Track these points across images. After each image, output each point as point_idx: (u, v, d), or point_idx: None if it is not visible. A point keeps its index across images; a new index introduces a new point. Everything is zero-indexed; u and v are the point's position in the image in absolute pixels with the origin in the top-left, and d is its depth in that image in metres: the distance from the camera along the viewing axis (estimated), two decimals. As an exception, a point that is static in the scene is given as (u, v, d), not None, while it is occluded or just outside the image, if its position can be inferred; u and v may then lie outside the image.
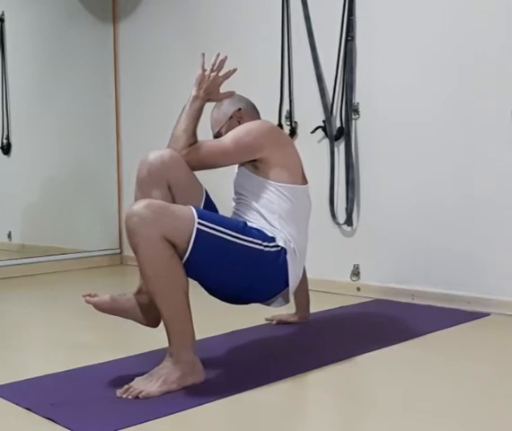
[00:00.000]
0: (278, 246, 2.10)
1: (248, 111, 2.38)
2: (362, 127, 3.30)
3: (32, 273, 4.15)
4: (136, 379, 1.85)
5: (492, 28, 2.85)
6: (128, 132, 4.65)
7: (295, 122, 3.56)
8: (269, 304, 2.24)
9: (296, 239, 2.17)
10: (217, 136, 2.33)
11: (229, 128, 2.29)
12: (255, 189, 2.21)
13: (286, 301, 2.24)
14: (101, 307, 2.00)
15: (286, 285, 2.14)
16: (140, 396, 1.79)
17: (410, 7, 3.12)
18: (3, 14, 4.60)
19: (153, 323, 2.06)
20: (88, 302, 2.00)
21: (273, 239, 2.10)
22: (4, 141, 4.63)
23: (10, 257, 4.34)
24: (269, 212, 2.17)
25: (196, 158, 2.11)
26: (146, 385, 1.81)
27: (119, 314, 2.04)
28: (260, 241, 2.05)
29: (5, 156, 4.66)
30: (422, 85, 3.08)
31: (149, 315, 2.04)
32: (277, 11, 3.58)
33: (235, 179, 2.35)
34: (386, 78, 3.21)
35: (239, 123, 2.32)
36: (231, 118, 2.35)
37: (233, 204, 2.33)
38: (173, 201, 2.04)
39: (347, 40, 3.29)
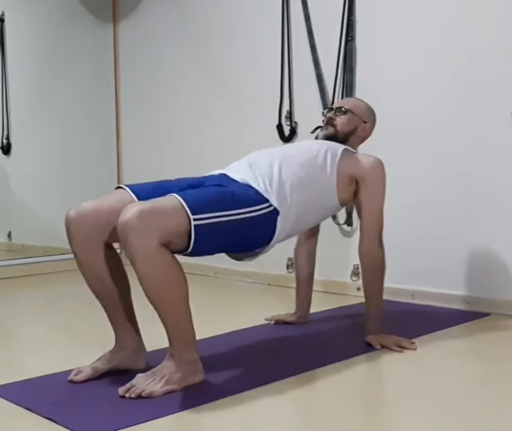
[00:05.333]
0: (270, 206, 2.05)
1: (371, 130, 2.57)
2: (362, 127, 3.30)
3: (32, 273, 4.15)
4: (138, 376, 1.84)
5: (492, 27, 2.85)
6: (127, 132, 4.66)
7: (295, 122, 3.56)
8: (240, 259, 2.19)
9: (299, 207, 2.16)
10: (341, 108, 2.47)
11: (352, 123, 2.47)
12: (313, 168, 2.23)
13: (256, 257, 2.18)
14: (87, 379, 1.94)
15: (269, 242, 2.09)
16: (143, 394, 1.78)
17: (410, 7, 3.12)
18: (3, 14, 4.60)
19: (143, 366, 2.03)
20: (73, 381, 1.94)
21: (266, 200, 2.05)
22: (4, 141, 4.63)
23: (10, 257, 4.34)
24: (296, 181, 2.16)
25: (380, 234, 2.34)
26: (149, 385, 1.81)
27: (108, 371, 2.00)
28: (251, 208, 1.99)
29: (5, 156, 4.66)
30: (422, 85, 3.08)
31: (134, 362, 2.03)
32: (277, 11, 3.58)
33: (298, 144, 2.47)
34: (386, 78, 3.21)
35: (361, 131, 2.49)
36: (364, 122, 2.51)
37: (255, 154, 2.28)
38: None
39: (347, 40, 3.29)
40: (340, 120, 2.46)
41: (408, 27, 3.13)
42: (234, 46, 3.88)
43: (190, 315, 1.87)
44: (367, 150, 3.27)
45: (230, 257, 2.21)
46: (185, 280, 1.84)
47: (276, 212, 2.07)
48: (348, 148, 2.38)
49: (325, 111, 2.54)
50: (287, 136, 3.56)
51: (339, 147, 2.34)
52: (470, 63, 2.92)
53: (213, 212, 1.89)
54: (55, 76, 4.70)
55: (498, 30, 2.84)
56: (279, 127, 3.60)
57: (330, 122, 2.47)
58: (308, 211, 2.23)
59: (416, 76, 3.10)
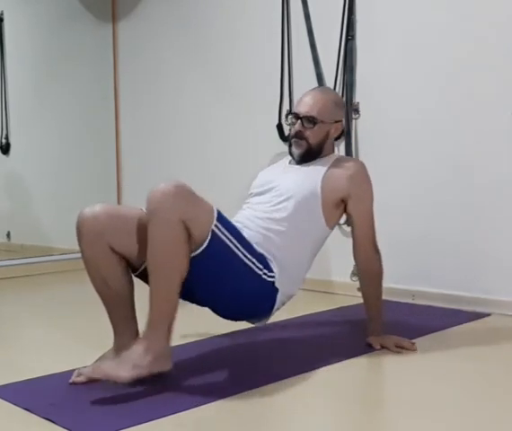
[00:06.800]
0: (274, 277, 2.10)
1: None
2: (362, 127, 3.30)
3: (32, 273, 4.14)
4: (105, 361, 1.86)
5: (492, 26, 2.85)
6: (127, 132, 4.64)
7: (295, 122, 3.55)
8: (253, 322, 2.25)
9: (294, 268, 2.18)
10: (308, 118, 2.23)
11: (323, 131, 2.26)
12: (302, 221, 2.19)
13: (261, 323, 2.24)
14: (91, 378, 1.91)
15: (269, 311, 2.16)
16: (110, 379, 1.78)
17: (410, 6, 3.11)
18: (2, 14, 4.60)
19: None
20: (74, 383, 1.93)
21: (272, 270, 2.09)
22: (3, 141, 4.63)
23: (9, 257, 4.33)
24: (286, 237, 2.15)
25: (374, 240, 2.32)
26: (118, 370, 1.79)
27: None
28: (261, 267, 2.05)
29: (4, 156, 4.65)
30: (423, 84, 3.07)
31: None
32: (277, 10, 3.57)
33: (280, 177, 2.29)
34: (387, 77, 3.20)
35: (334, 132, 2.31)
36: (336, 122, 2.31)
37: (246, 205, 2.28)
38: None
39: (347, 39, 3.29)
40: (310, 133, 2.26)
41: (408, 26, 3.12)
42: (235, 45, 3.87)
43: (178, 300, 1.87)
44: (368, 148, 3.28)
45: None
46: (188, 264, 1.84)
47: (276, 289, 2.11)
48: (325, 167, 2.26)
49: (292, 117, 2.32)
50: (287, 136, 3.55)
51: (318, 176, 2.23)
52: (470, 63, 2.91)
53: (233, 236, 1.96)
54: (54, 76, 4.69)
55: (498, 29, 2.83)
56: (279, 127, 3.59)
57: (299, 136, 2.27)
58: (306, 263, 2.26)
59: (416, 76, 3.10)
